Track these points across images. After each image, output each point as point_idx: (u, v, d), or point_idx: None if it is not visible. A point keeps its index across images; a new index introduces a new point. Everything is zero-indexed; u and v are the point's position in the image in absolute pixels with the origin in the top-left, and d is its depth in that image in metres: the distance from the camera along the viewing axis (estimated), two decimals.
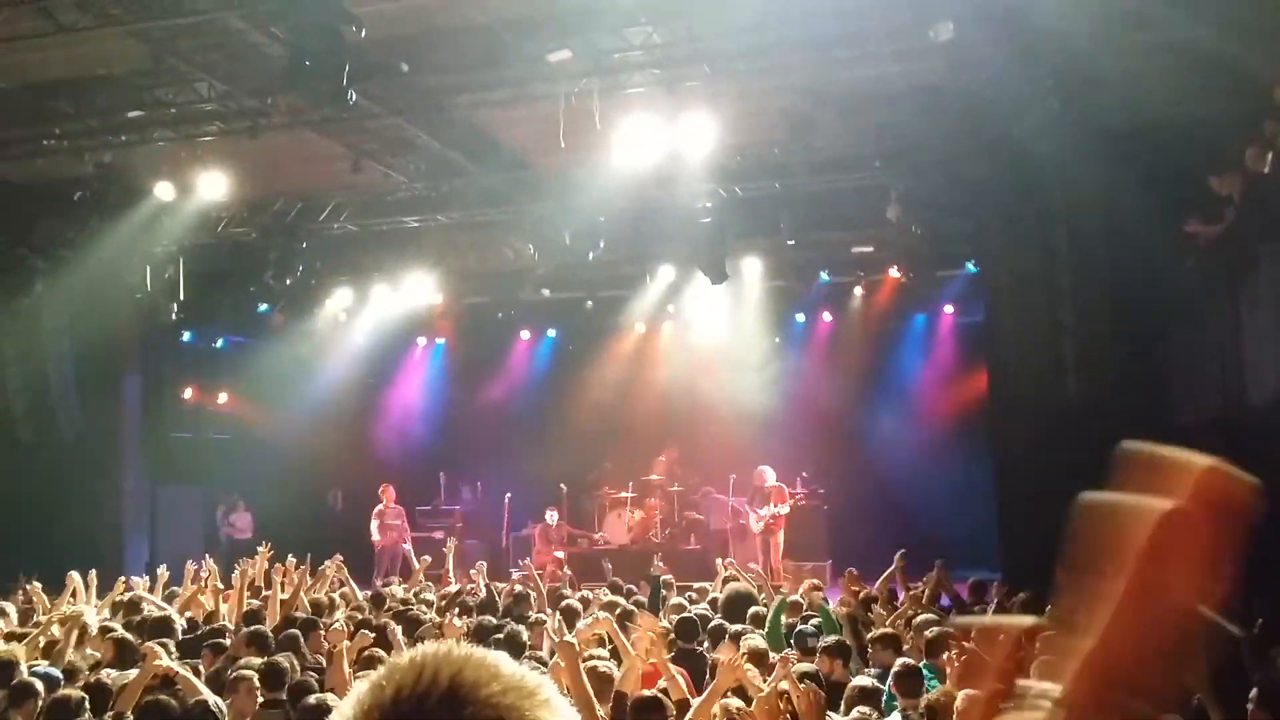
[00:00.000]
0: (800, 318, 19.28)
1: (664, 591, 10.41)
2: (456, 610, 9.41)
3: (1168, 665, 0.56)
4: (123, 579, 10.99)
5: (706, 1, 9.96)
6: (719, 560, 12.38)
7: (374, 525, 16.49)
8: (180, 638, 8.00)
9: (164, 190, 13.38)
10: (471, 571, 12.37)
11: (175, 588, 10.97)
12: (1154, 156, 10.19)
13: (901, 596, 9.74)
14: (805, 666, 6.29)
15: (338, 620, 8.44)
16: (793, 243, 14.98)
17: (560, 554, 15.84)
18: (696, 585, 11.57)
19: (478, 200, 14.77)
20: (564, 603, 9.46)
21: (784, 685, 5.41)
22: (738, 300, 17.95)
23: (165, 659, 6.26)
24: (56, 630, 8.05)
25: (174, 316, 16.32)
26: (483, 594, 10.88)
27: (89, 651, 7.45)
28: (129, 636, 7.67)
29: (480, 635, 7.70)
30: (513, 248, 16.08)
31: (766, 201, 14.33)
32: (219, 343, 19.50)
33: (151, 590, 10.74)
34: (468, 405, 20.37)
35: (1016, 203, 11.95)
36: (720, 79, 10.84)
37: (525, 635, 7.80)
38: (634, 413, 18.65)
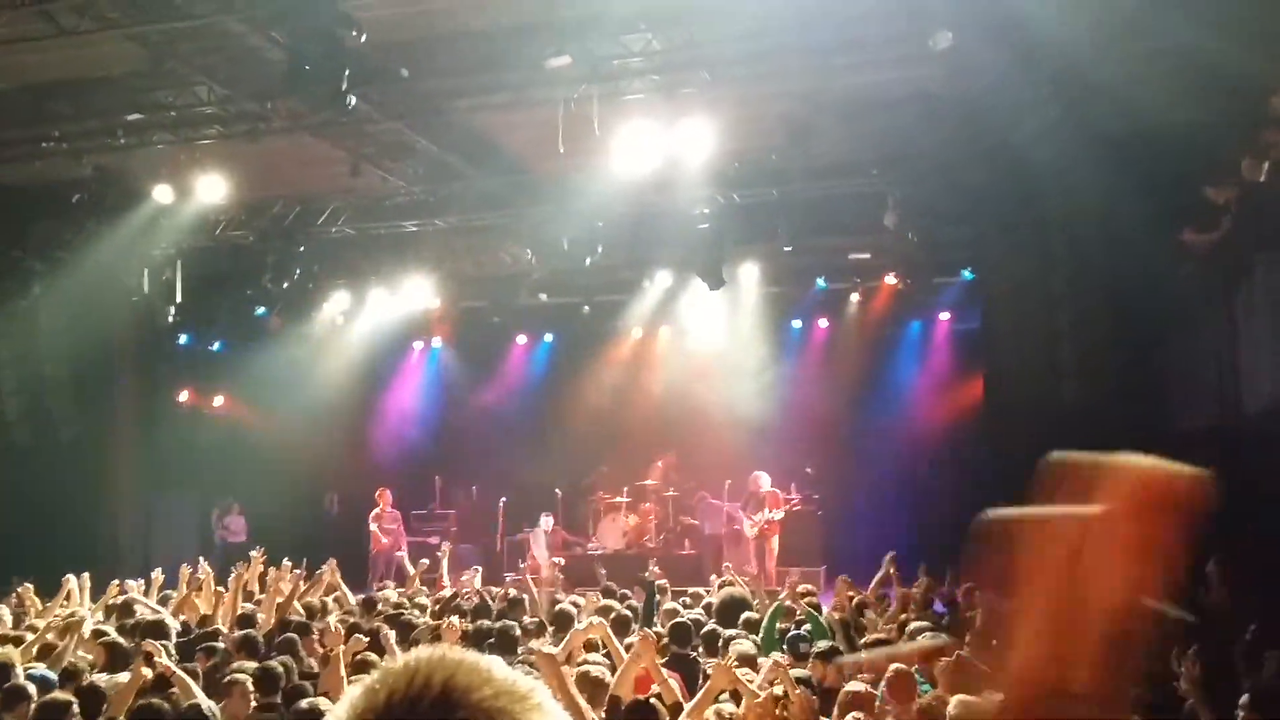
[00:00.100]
0: (797, 324, 19.29)
1: (659, 597, 10.41)
2: (456, 616, 9.39)
3: (1102, 667, 0.56)
4: (117, 582, 10.96)
5: (706, 8, 9.98)
6: (713, 576, 12.40)
7: (374, 528, 16.44)
8: (175, 641, 7.99)
9: (162, 193, 13.38)
10: (463, 577, 12.33)
11: (170, 591, 10.95)
12: (1151, 164, 10.22)
13: (894, 595, 9.78)
14: (798, 672, 6.30)
15: (333, 624, 8.41)
16: (790, 249, 15.00)
17: (559, 560, 15.82)
18: (691, 590, 11.57)
19: (476, 205, 14.79)
20: (557, 607, 9.46)
21: (779, 690, 5.42)
22: (735, 306, 17.97)
23: (164, 658, 6.26)
24: (50, 635, 8.03)
25: (171, 319, 16.33)
26: (476, 599, 10.86)
27: (80, 654, 7.44)
28: (121, 640, 7.66)
29: (477, 639, 7.70)
30: (510, 252, 16.10)
31: (764, 208, 14.35)
32: (216, 346, 19.48)
33: (146, 593, 10.73)
34: (464, 409, 20.36)
35: (1014, 210, 11.98)
36: (719, 85, 10.86)
37: (518, 631, 7.81)
38: (630, 418, 18.65)
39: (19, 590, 10.56)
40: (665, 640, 7.44)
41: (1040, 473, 0.62)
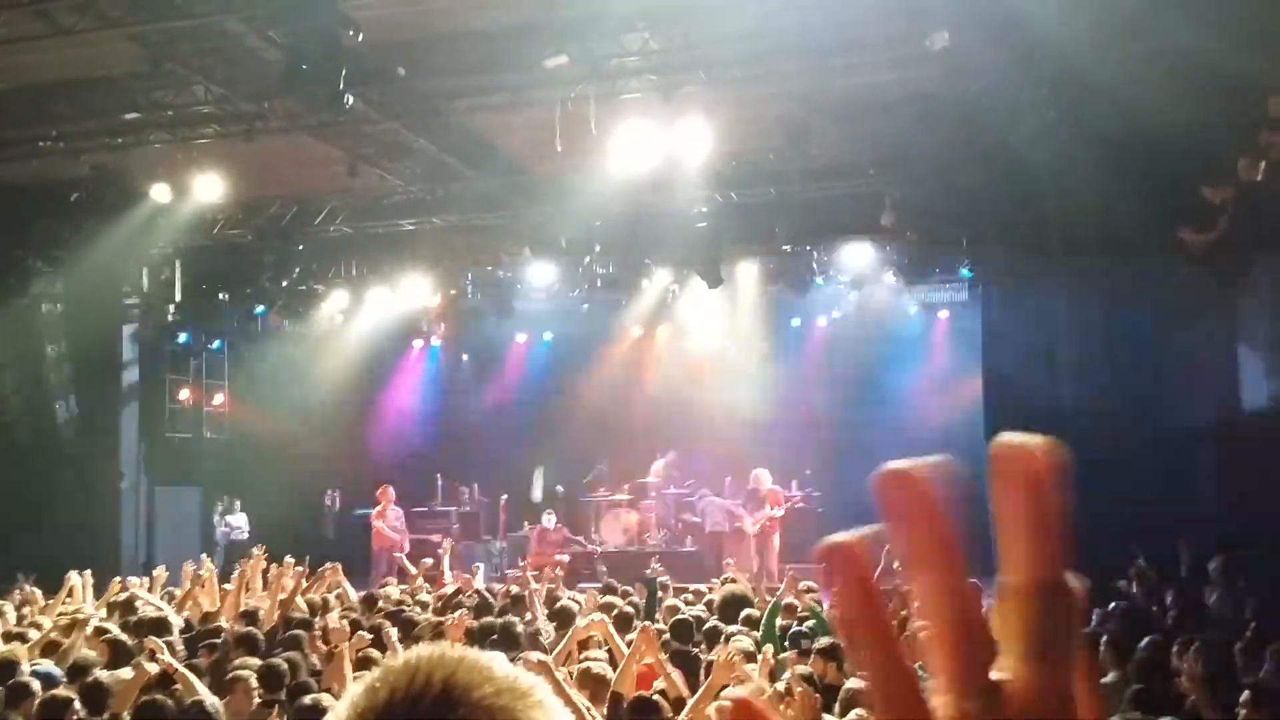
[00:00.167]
0: (795, 322, 19.30)
1: (660, 594, 10.42)
2: (460, 611, 9.40)
3: (971, 656, 0.56)
4: (119, 579, 10.97)
5: (703, 8, 9.98)
6: (719, 575, 12.40)
7: (380, 526, 16.31)
8: (177, 637, 8.01)
9: (160, 192, 13.37)
10: (465, 575, 12.33)
11: (173, 588, 10.96)
12: (1149, 165, 10.24)
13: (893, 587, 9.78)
14: (801, 669, 6.31)
15: (337, 620, 8.42)
16: (788, 248, 15.01)
17: (564, 556, 15.83)
18: (693, 588, 11.58)
19: (474, 204, 14.79)
20: (559, 604, 9.47)
21: (781, 686, 5.44)
22: (733, 305, 17.99)
23: (167, 654, 6.28)
24: (54, 633, 8.05)
25: (170, 318, 16.35)
26: (477, 597, 10.86)
27: (85, 652, 7.45)
28: (123, 637, 7.67)
29: (480, 636, 7.71)
30: (509, 251, 16.11)
31: (762, 207, 14.36)
32: (215, 344, 19.48)
33: (149, 591, 10.73)
34: (464, 407, 20.37)
35: (1012, 210, 11.99)
36: (717, 86, 10.88)
37: (519, 627, 7.83)
38: (630, 416, 18.67)
39: (24, 588, 10.57)
40: (667, 637, 7.46)
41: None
